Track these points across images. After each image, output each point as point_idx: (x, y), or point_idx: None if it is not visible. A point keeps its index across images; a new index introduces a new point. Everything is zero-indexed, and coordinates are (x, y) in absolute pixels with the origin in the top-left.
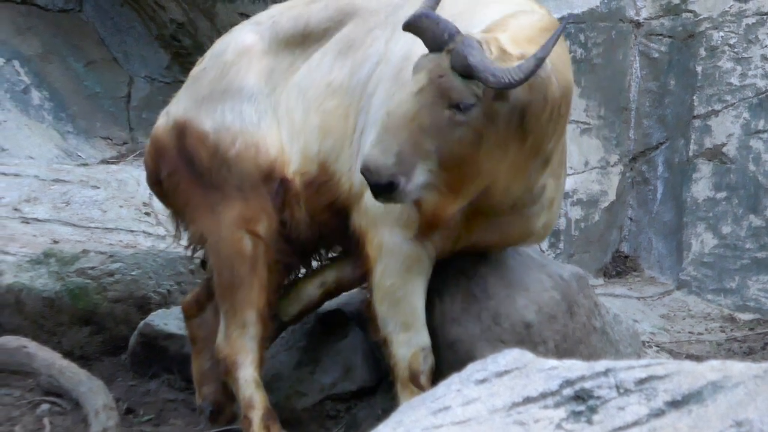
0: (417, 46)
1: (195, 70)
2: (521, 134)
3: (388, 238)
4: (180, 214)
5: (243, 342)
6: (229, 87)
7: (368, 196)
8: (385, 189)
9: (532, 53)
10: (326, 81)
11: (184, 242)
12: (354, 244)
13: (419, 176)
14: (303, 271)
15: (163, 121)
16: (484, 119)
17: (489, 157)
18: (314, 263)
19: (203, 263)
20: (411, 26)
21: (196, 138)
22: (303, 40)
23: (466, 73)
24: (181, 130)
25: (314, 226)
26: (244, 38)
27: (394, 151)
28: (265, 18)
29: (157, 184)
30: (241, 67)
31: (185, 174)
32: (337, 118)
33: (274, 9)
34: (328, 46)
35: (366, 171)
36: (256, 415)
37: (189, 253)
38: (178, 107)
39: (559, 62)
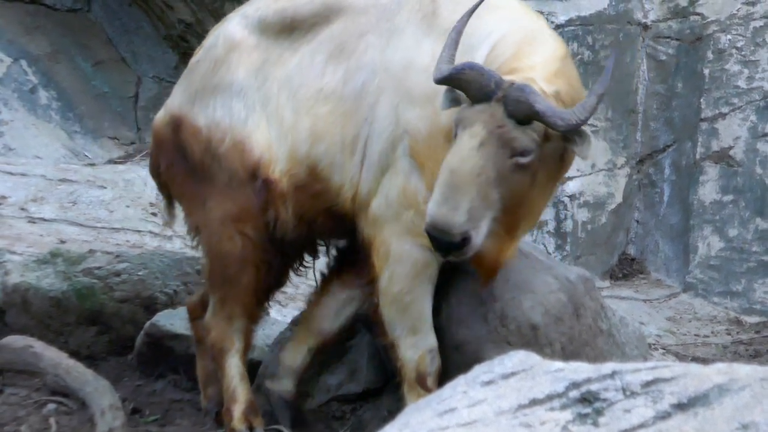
0: (417, 56)
1: (192, 61)
2: (562, 164)
3: (396, 246)
4: (179, 204)
5: (229, 332)
6: (220, 82)
7: (376, 206)
8: (457, 246)
9: (564, 89)
10: (318, 85)
11: (175, 230)
12: (363, 251)
13: (485, 227)
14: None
15: (162, 113)
16: (538, 160)
17: (541, 193)
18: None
19: None
20: (452, 79)
21: (190, 132)
22: (290, 33)
23: (530, 119)
24: (177, 124)
25: (302, 227)
26: (233, 32)
27: (465, 209)
28: (252, 11)
29: (157, 175)
30: (231, 62)
31: (181, 167)
32: (331, 124)
33: (261, 1)
34: (317, 44)
35: (435, 231)
36: (238, 409)
37: (191, 241)
38: (174, 100)
39: (574, 80)
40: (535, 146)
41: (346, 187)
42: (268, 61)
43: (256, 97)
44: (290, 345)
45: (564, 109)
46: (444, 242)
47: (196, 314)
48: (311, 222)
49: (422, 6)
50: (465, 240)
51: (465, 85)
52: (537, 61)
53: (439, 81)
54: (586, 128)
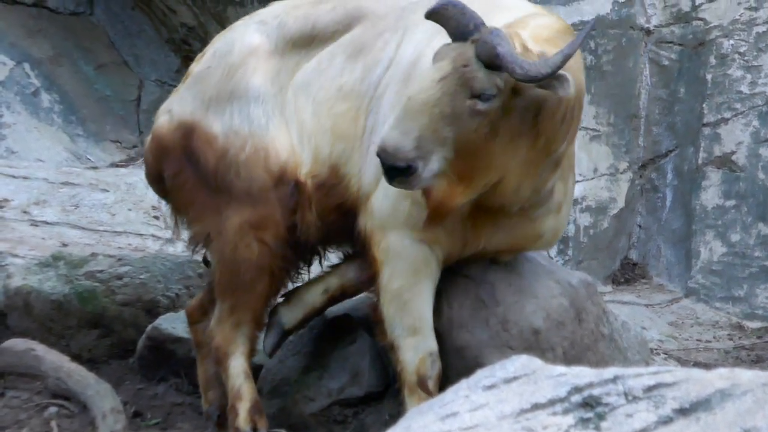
0: (427, 49)
1: (197, 69)
2: (534, 132)
3: (395, 240)
4: (184, 212)
5: (235, 336)
6: (236, 88)
7: (375, 198)
8: (402, 172)
9: (551, 53)
10: (337, 84)
11: (184, 239)
12: (360, 246)
13: (434, 163)
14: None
15: (166, 119)
16: (501, 112)
17: (502, 151)
18: (320, 264)
19: (206, 261)
20: (435, 14)
21: (204, 140)
22: (310, 41)
23: (493, 63)
24: (188, 131)
25: (323, 228)
26: (251, 39)
27: (414, 135)
28: (270, 17)
29: (157, 181)
30: (248, 68)
31: (191, 174)
32: (348, 121)
33: (278, 7)
34: (336, 46)
35: (383, 153)
36: (243, 407)
37: (191, 250)
38: (183, 107)
39: (574, 64)
40: (496, 92)
41: (354, 180)
42: (285, 69)
43: (275, 103)
44: (312, 281)
45: (528, 60)
46: (389, 166)
47: (195, 319)
48: (328, 221)
49: None
50: (410, 167)
51: (445, 21)
52: (531, 25)
53: (427, 15)
54: (564, 72)
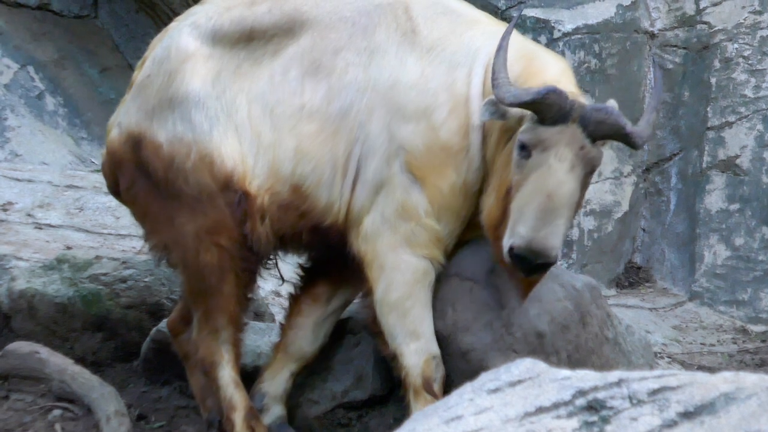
0: (403, 73)
1: (139, 78)
2: (585, 188)
3: (392, 257)
4: (142, 223)
5: (217, 345)
6: (175, 95)
7: (370, 221)
8: (549, 266)
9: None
10: (298, 102)
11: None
12: (356, 266)
13: None
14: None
15: (117, 132)
16: None
17: None
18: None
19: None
20: (534, 103)
21: (151, 150)
22: (248, 43)
23: (609, 138)
24: (136, 142)
25: (275, 241)
26: (186, 43)
27: (561, 231)
28: (203, 20)
29: (117, 194)
30: (186, 73)
31: (143, 186)
32: (319, 144)
33: (210, 8)
34: (287, 59)
35: (531, 253)
36: (239, 416)
37: (155, 261)
38: (130, 118)
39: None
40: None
41: (337, 205)
42: (225, 71)
43: (217, 106)
44: (269, 374)
45: (634, 126)
46: (536, 264)
47: (177, 331)
48: (292, 237)
49: (399, 24)
50: (556, 259)
51: (546, 108)
52: (553, 72)
53: (518, 104)
54: None
